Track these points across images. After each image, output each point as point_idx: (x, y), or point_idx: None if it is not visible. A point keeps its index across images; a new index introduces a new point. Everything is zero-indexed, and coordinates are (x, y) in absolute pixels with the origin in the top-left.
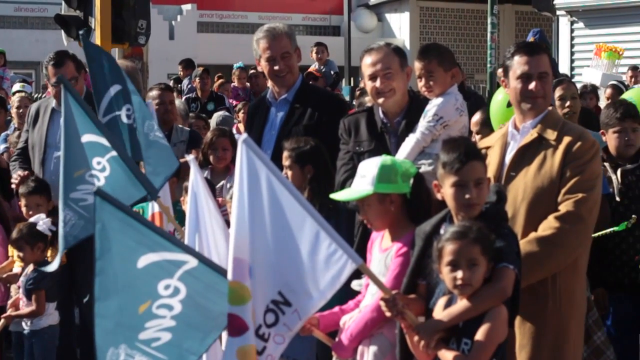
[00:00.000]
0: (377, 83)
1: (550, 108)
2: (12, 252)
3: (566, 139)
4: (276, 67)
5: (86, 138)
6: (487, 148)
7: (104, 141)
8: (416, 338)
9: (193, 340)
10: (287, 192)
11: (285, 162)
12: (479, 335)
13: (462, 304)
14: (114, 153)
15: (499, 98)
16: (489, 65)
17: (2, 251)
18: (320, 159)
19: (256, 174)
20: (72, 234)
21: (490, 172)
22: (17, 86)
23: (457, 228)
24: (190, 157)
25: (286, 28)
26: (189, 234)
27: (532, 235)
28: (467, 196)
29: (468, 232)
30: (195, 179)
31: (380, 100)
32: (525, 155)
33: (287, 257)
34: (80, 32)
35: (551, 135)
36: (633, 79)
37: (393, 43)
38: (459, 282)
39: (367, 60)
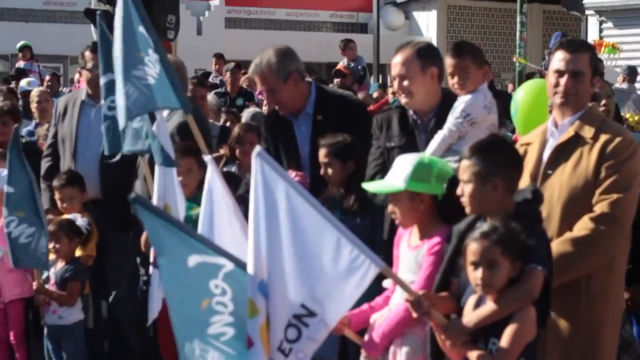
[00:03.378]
0: (396, 84)
1: (590, 104)
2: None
3: (603, 137)
4: (266, 101)
5: (140, 29)
6: (528, 145)
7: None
8: (443, 337)
9: None
10: (304, 202)
11: (324, 159)
12: (505, 336)
13: (488, 306)
14: (157, 55)
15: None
16: (517, 64)
17: None
18: (361, 155)
19: (272, 187)
20: (133, 109)
21: (528, 170)
22: (23, 82)
23: (484, 228)
24: (207, 157)
25: (272, 60)
26: (203, 231)
27: (567, 235)
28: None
29: (491, 233)
30: (212, 177)
31: (404, 101)
32: (562, 153)
33: (309, 267)
34: (98, 12)
35: (588, 133)
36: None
37: (422, 42)
38: (478, 281)
39: (393, 60)
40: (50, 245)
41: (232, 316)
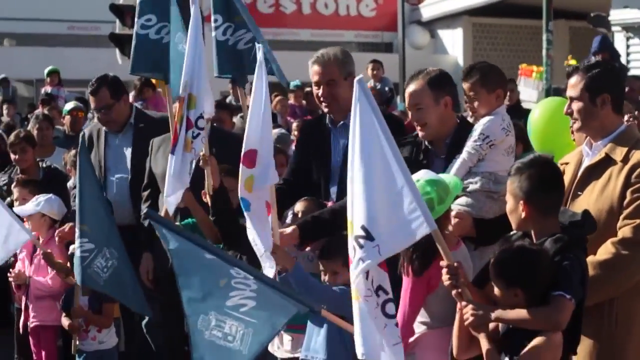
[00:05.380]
0: (411, 115)
1: (628, 124)
2: None
3: (632, 160)
4: (319, 93)
5: None
6: (566, 164)
7: None
8: (466, 310)
9: (276, 306)
10: (385, 140)
11: None
12: (523, 352)
13: (517, 310)
14: None
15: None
16: (544, 82)
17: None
18: None
19: (364, 116)
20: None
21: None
22: (70, 104)
23: (496, 254)
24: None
25: (339, 54)
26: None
27: (589, 258)
28: None
29: (495, 262)
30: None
31: (420, 134)
32: (592, 175)
33: (375, 196)
34: None
35: (619, 155)
36: None
37: (434, 70)
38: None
39: (407, 90)
40: None
41: (254, 292)
